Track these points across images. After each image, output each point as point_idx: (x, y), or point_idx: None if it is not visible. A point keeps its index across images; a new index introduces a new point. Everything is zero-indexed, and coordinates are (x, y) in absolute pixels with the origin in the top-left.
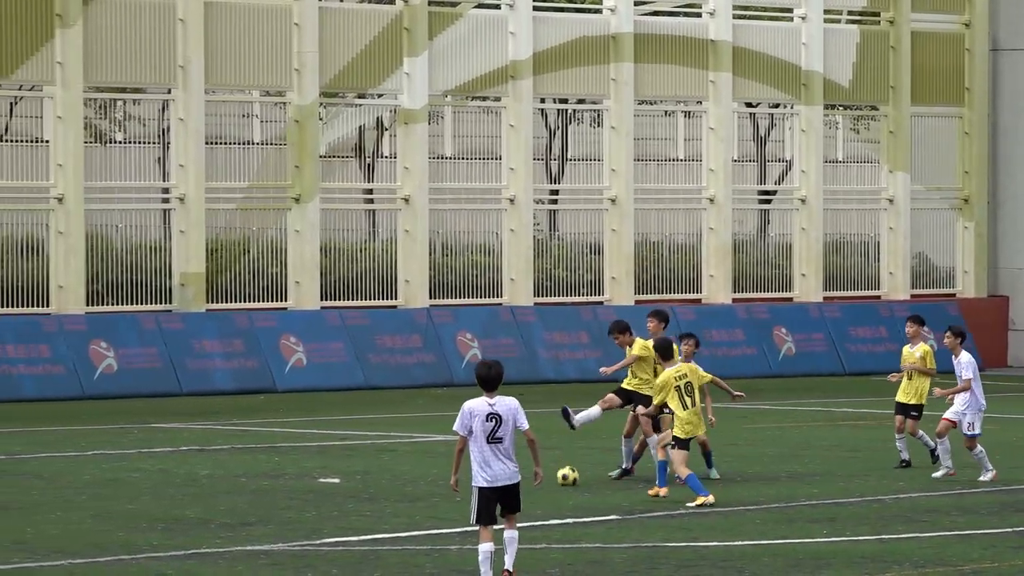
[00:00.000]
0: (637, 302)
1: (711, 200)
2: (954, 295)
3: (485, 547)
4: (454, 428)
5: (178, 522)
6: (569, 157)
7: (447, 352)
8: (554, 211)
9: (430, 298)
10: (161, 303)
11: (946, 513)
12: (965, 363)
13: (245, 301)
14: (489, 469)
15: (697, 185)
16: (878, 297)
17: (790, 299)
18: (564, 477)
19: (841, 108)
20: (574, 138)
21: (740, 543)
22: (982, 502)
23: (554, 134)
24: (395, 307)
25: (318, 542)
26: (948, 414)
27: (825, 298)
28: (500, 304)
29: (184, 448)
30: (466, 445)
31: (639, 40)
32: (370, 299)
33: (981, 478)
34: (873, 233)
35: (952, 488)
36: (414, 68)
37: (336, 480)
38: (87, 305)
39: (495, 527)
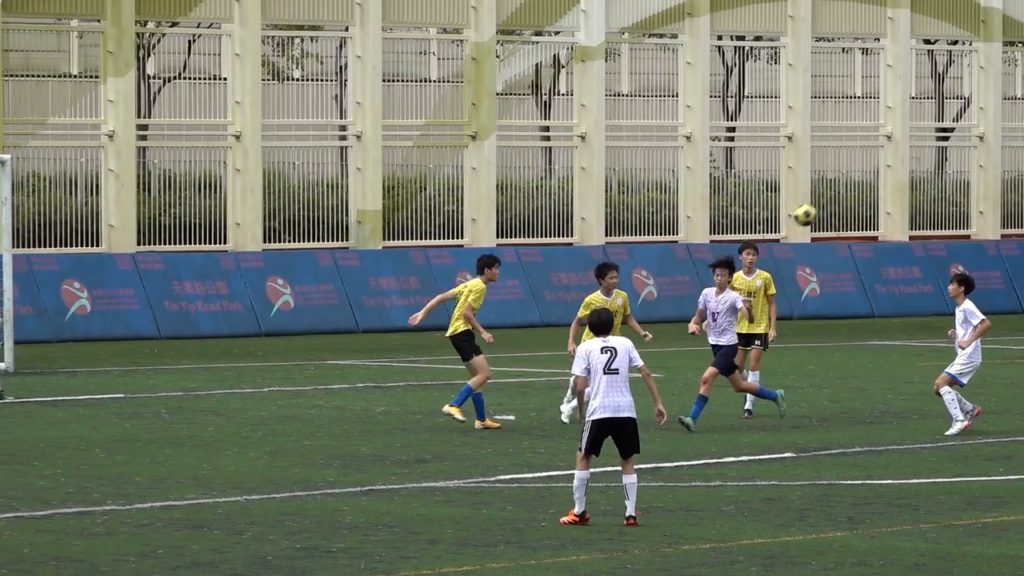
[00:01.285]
0: (813, 239)
1: (888, 137)
2: None
3: (582, 474)
4: (574, 371)
5: (353, 458)
6: (746, 94)
7: (625, 288)
8: (730, 148)
9: (606, 235)
10: (337, 240)
11: None
12: (972, 311)
13: (421, 238)
14: (604, 400)
15: (874, 123)
16: None
17: (967, 237)
18: (807, 214)
19: (1020, 45)
20: (751, 75)
21: (915, 481)
22: None
23: (731, 71)
24: (571, 244)
25: (493, 479)
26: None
27: (1003, 236)
28: (676, 242)
29: (360, 385)
30: (586, 383)
31: None
32: (546, 236)
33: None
34: None
35: None
36: (591, 5)
37: (511, 417)
38: (264, 242)
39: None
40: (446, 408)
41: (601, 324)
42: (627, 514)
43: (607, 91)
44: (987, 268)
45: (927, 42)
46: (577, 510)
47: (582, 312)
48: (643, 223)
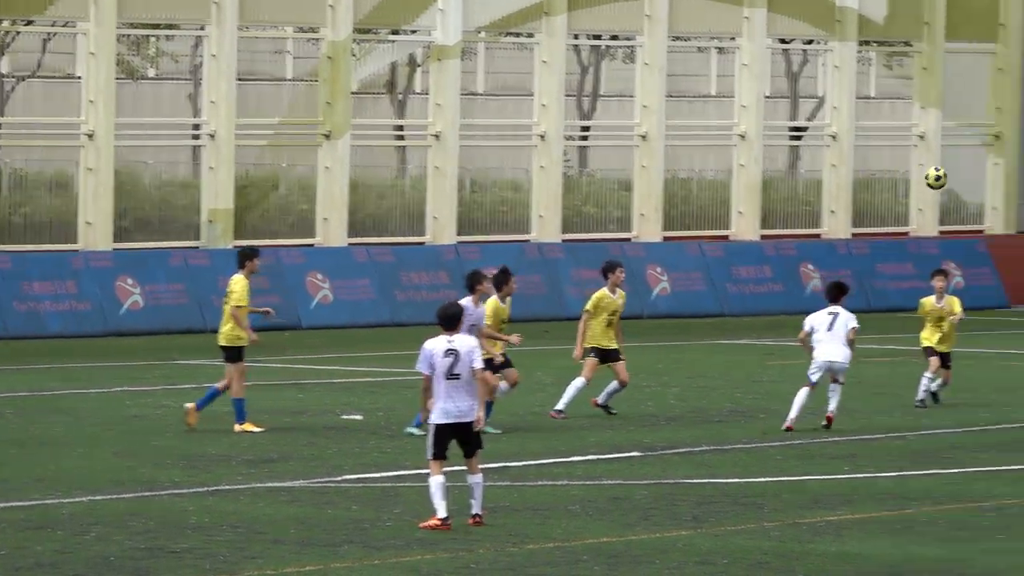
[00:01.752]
0: (665, 238)
1: (742, 136)
2: (982, 232)
3: (436, 479)
4: (416, 367)
5: (200, 458)
6: (601, 93)
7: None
8: (584, 147)
9: (458, 235)
10: (189, 240)
11: (969, 450)
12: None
13: (273, 238)
14: (445, 404)
15: (728, 121)
16: (906, 234)
17: (818, 236)
18: (937, 178)
19: (874, 44)
20: (606, 74)
21: (760, 480)
22: (1005, 439)
23: (587, 70)
24: (423, 243)
25: (339, 478)
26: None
27: (853, 235)
28: (528, 240)
29: (208, 385)
30: (430, 383)
31: None
32: (398, 235)
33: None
34: (903, 169)
35: (974, 425)
36: (448, 4)
37: (359, 416)
38: (114, 242)
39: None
40: (237, 427)
41: (448, 318)
42: (472, 512)
43: (462, 90)
44: (837, 267)
45: (783, 41)
46: (440, 515)
47: (590, 306)
48: (496, 222)
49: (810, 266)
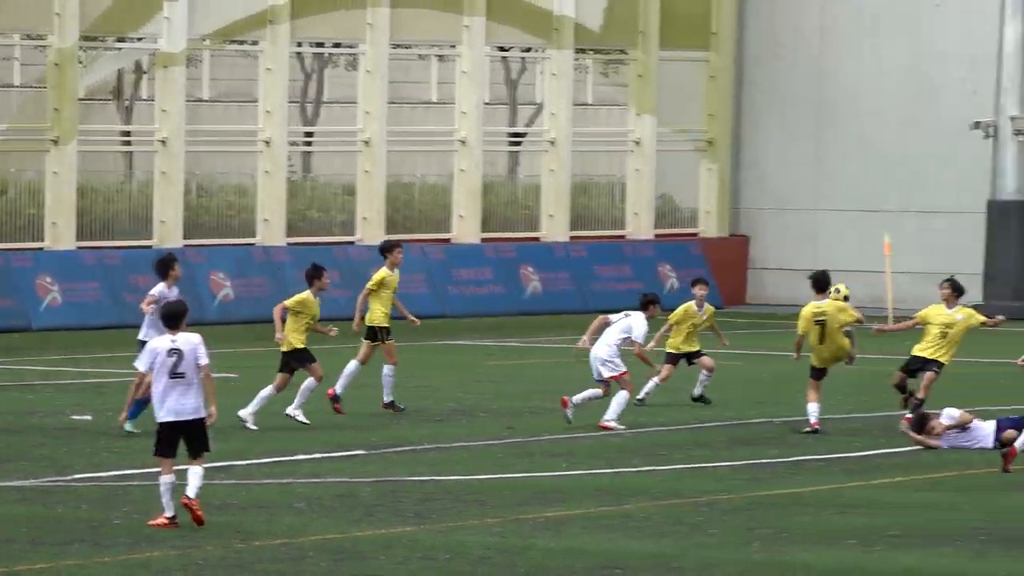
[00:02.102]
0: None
1: (462, 142)
2: (696, 235)
3: (166, 478)
4: (135, 364)
5: None
6: (324, 100)
7: (200, 291)
8: (309, 153)
9: (184, 238)
10: None
11: (682, 448)
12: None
13: (2, 241)
14: (169, 403)
15: (449, 127)
16: (623, 237)
17: (537, 239)
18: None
19: (591, 52)
20: (330, 81)
21: (482, 477)
22: (717, 437)
23: (310, 77)
24: (150, 247)
25: (69, 478)
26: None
27: (572, 237)
28: (254, 244)
29: None
30: (143, 380)
31: None
32: (126, 239)
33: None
34: (620, 174)
35: (688, 423)
36: (174, 12)
37: (88, 417)
38: None
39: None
40: None
41: (170, 316)
42: (185, 494)
43: (188, 96)
44: (556, 269)
45: (501, 49)
46: (168, 513)
47: (373, 284)
48: (222, 226)
49: (530, 268)
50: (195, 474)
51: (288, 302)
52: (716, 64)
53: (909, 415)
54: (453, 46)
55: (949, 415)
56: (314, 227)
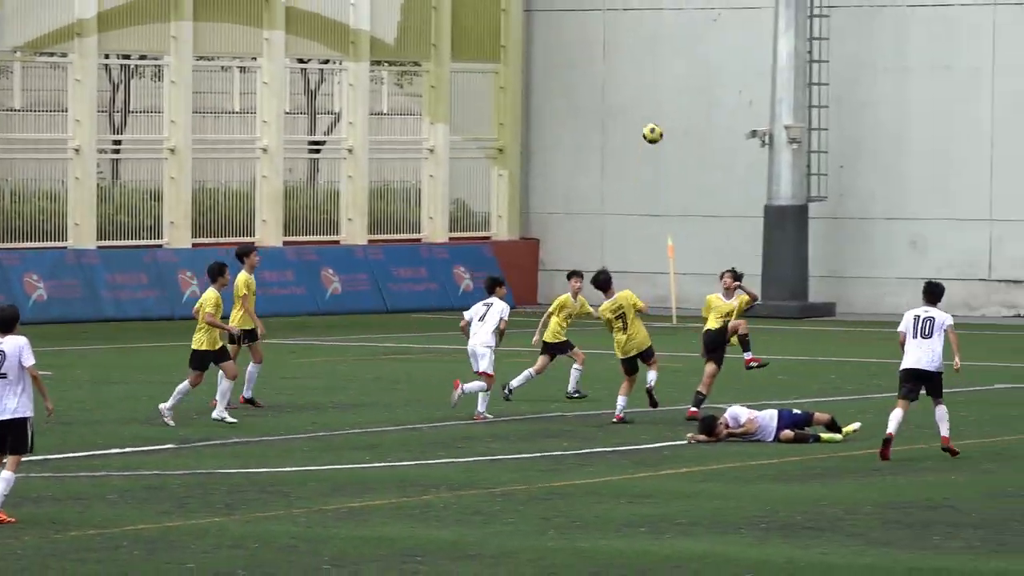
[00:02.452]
0: (194, 245)
1: (264, 150)
2: (489, 238)
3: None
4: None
5: None
6: (132, 109)
7: (15, 292)
8: (117, 160)
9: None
10: None
11: (480, 440)
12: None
13: None
14: None
15: (251, 136)
16: (419, 240)
17: (337, 242)
18: (652, 131)
19: (386, 64)
20: (136, 92)
21: (288, 469)
22: (513, 430)
23: (117, 88)
24: None
25: None
26: None
27: (370, 240)
28: (66, 247)
29: None
30: None
31: (199, 0)
32: None
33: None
34: (415, 180)
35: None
36: None
37: None
38: None
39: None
40: None
41: (2, 321)
42: None
43: (0, 106)
44: (355, 271)
45: (301, 61)
46: None
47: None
48: (35, 230)
49: (330, 270)
50: (6, 481)
51: (209, 307)
52: (505, 76)
53: (693, 408)
54: (254, 58)
55: (734, 416)
56: (123, 231)
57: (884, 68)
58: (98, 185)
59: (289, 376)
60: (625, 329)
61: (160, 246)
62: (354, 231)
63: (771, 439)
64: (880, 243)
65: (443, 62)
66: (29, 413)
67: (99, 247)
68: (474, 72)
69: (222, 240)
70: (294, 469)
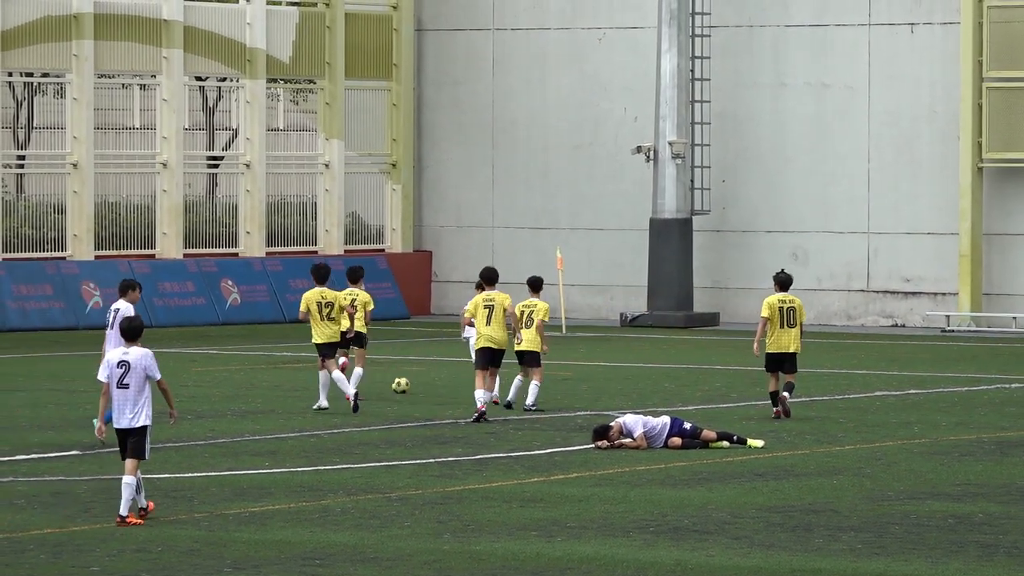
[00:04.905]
0: (97, 257)
1: (164, 165)
2: (383, 250)
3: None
4: (98, 376)
5: None
6: (35, 125)
7: None
8: (21, 175)
9: None
10: None
11: (376, 446)
12: None
13: None
14: (115, 412)
15: (152, 151)
16: (315, 252)
17: (236, 254)
18: (398, 383)
19: (282, 82)
20: (39, 108)
21: (190, 475)
22: (408, 436)
23: (21, 104)
24: None
25: None
26: None
27: (268, 253)
28: None
29: None
30: (109, 390)
31: (99, 19)
32: None
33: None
34: (311, 195)
35: (383, 423)
36: None
37: None
38: None
39: None
40: None
41: (127, 332)
42: (119, 512)
43: None
44: (254, 283)
45: (199, 79)
46: None
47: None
48: None
49: (230, 281)
50: (126, 486)
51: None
52: (397, 93)
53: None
54: (154, 76)
55: (628, 426)
56: (28, 243)
57: (764, 85)
58: (3, 199)
59: (190, 384)
60: (488, 323)
61: (64, 258)
62: (252, 244)
63: (660, 445)
64: (762, 255)
65: (337, 80)
66: (148, 422)
67: (4, 259)
68: (367, 89)
69: (124, 252)
70: (196, 475)
